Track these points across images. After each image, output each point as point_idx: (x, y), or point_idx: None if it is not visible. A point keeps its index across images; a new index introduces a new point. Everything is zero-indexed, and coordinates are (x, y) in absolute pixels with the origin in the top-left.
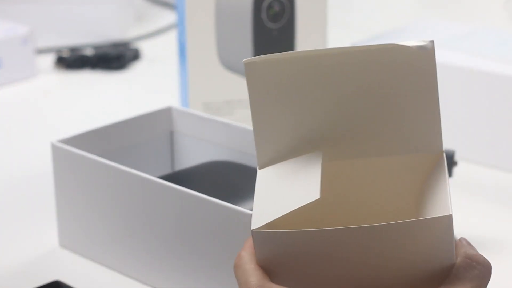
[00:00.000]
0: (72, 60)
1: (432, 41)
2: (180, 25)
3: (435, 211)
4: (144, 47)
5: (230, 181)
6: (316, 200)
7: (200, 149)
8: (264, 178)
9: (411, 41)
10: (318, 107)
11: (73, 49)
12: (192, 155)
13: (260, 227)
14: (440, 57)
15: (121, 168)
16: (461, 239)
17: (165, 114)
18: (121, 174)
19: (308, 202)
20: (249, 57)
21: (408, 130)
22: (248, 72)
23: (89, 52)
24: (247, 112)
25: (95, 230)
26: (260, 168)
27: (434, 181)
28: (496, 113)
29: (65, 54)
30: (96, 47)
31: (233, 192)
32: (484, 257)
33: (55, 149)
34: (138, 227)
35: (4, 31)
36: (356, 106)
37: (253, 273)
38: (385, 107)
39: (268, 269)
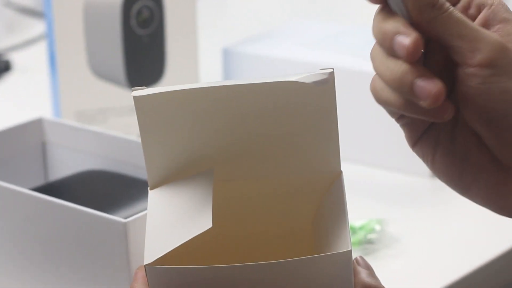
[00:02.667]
0: None
1: (332, 72)
2: (49, 35)
3: (334, 243)
4: (15, 58)
5: (104, 189)
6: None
7: (73, 159)
8: (155, 201)
9: (311, 74)
10: (209, 132)
11: None
12: (65, 166)
13: (153, 261)
14: (312, 57)
15: None
16: (358, 259)
17: (36, 125)
18: None
19: (200, 232)
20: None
21: (305, 152)
22: (137, 104)
23: None
24: (121, 120)
25: None
26: (151, 189)
27: (332, 204)
28: (368, 112)
29: None
30: None
31: (108, 201)
32: (381, 285)
33: None
34: (12, 240)
35: None
36: (250, 133)
37: None
38: (281, 132)
39: None
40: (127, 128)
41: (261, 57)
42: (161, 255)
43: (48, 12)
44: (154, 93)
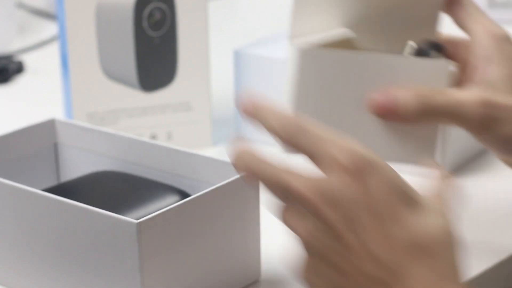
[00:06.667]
0: None
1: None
2: (61, 36)
3: None
4: (27, 59)
5: (116, 191)
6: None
7: (85, 160)
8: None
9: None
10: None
11: None
12: (77, 166)
13: (308, 45)
14: None
15: (5, 182)
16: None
17: (48, 126)
18: (5, 188)
19: (342, 37)
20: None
21: None
22: None
23: None
24: (131, 121)
25: None
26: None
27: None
28: None
29: None
30: None
31: (120, 202)
32: None
33: None
34: (25, 241)
35: None
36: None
37: None
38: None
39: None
40: (138, 129)
41: (273, 59)
42: (313, 42)
43: (61, 14)
44: None
